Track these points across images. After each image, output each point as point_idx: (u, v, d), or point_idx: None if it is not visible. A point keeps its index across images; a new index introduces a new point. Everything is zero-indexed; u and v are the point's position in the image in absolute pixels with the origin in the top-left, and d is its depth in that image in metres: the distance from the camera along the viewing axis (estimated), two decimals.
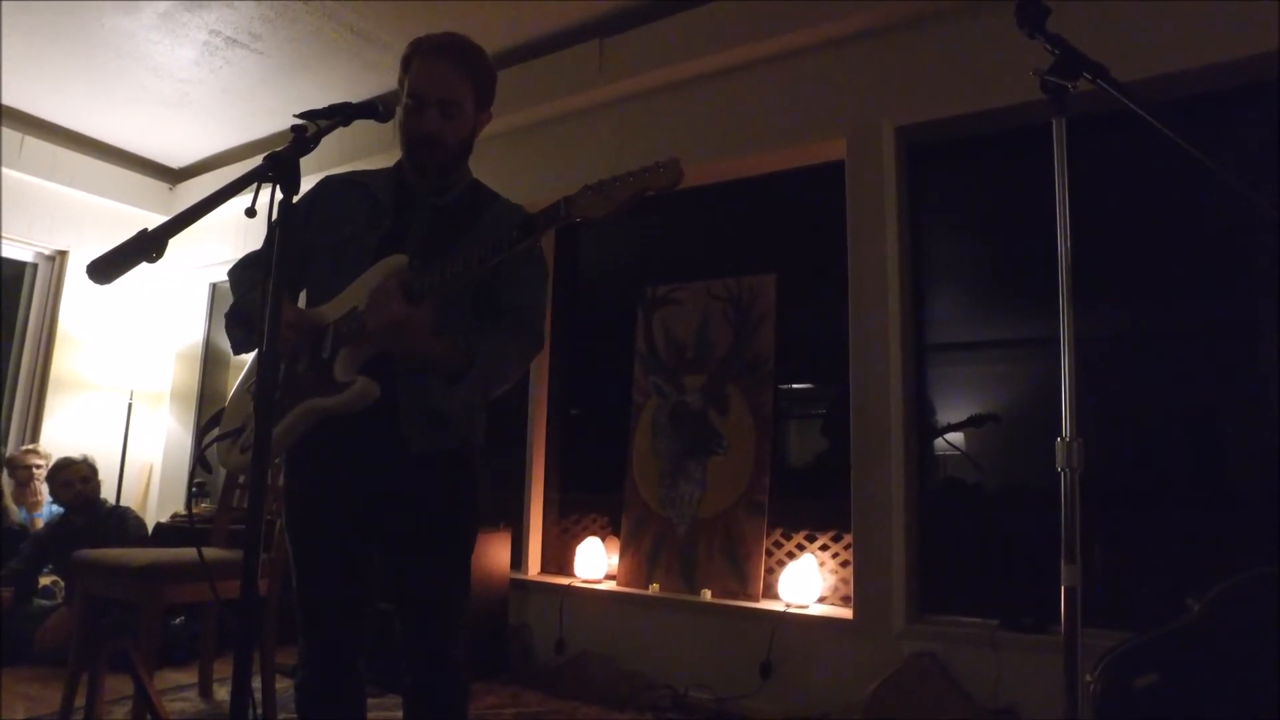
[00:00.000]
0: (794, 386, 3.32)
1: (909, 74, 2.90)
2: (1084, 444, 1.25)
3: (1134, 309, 2.66)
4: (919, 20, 2.89)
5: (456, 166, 1.62)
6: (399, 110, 1.56)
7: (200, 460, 1.59)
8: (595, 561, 3.41)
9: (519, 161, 3.66)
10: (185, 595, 2.46)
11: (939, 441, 2.91)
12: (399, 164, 1.63)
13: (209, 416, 1.62)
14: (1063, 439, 1.26)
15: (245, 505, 2.34)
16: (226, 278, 1.69)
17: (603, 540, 3.48)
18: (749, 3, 3.14)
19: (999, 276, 2.93)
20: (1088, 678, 1.82)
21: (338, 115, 1.32)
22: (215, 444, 1.57)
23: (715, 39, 3.22)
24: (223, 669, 3.01)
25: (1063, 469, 1.25)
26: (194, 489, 4.75)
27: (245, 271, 1.63)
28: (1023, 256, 2.83)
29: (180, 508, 4.66)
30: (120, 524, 3.58)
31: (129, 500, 4.80)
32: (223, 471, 2.76)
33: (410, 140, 1.56)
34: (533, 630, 3.40)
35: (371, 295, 1.40)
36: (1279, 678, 1.71)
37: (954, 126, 2.86)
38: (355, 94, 4.05)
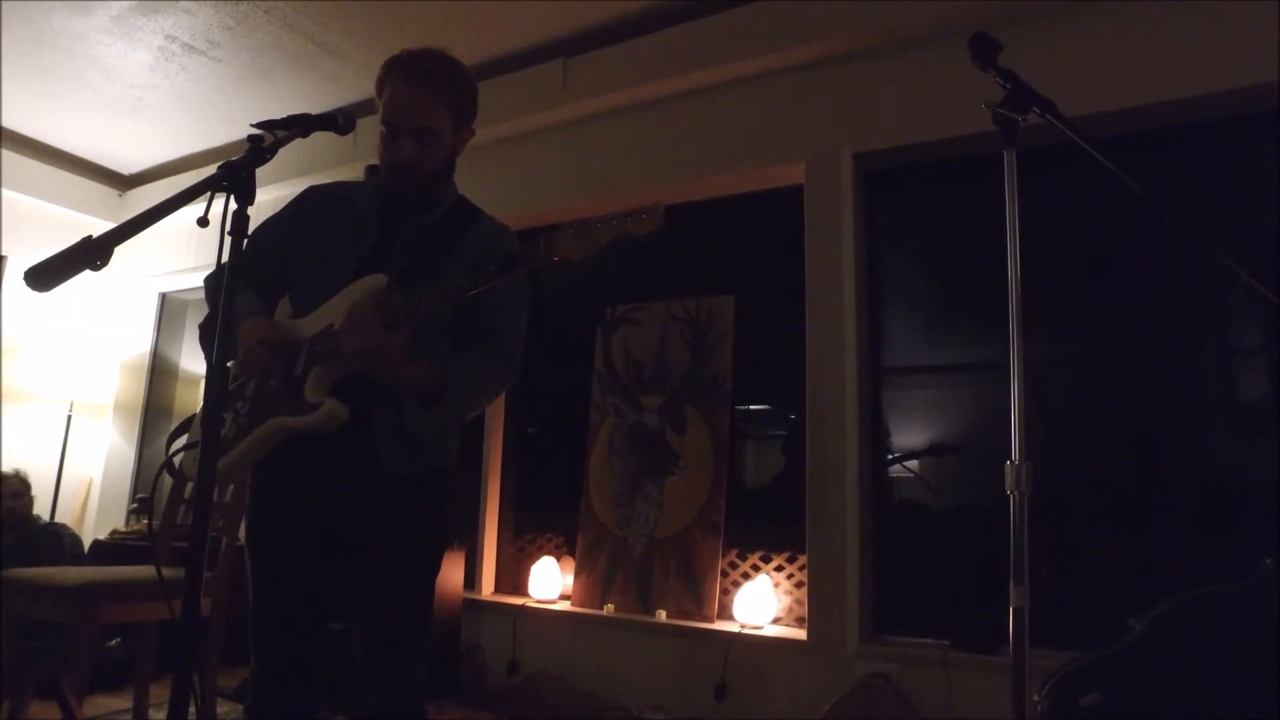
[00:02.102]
0: (751, 408, 3.34)
1: (867, 102, 2.97)
2: (1032, 467, 1.27)
3: (1083, 335, 2.74)
4: (878, 50, 2.96)
5: (439, 186, 1.60)
6: (378, 137, 1.54)
7: (167, 466, 1.56)
8: (550, 581, 3.37)
9: (482, 177, 3.65)
10: (122, 615, 2.36)
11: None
12: (381, 176, 1.60)
13: (178, 423, 1.59)
14: (1012, 462, 1.29)
15: (189, 522, 2.27)
16: (202, 286, 1.65)
17: (558, 560, 3.44)
18: (712, 28, 3.19)
19: (953, 302, 3.00)
20: (1035, 697, 1.85)
21: (296, 126, 1.30)
22: (184, 452, 1.53)
23: (678, 62, 3.26)
24: (160, 693, 2.90)
25: (1012, 492, 1.28)
26: (135, 504, 4.60)
27: (222, 281, 1.59)
28: (976, 282, 2.89)
29: (121, 524, 4.49)
30: (54, 542, 3.44)
31: (65, 517, 4.62)
32: (166, 488, 2.68)
33: (387, 168, 1.54)
34: (485, 651, 3.34)
35: (347, 317, 1.38)
36: (1216, 695, 1.76)
37: (911, 154, 2.93)
38: (315, 105, 4.00)
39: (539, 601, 3.33)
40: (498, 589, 3.61)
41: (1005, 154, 1.36)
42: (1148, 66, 2.50)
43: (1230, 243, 2.45)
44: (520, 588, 3.51)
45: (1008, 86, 1.34)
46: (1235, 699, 1.75)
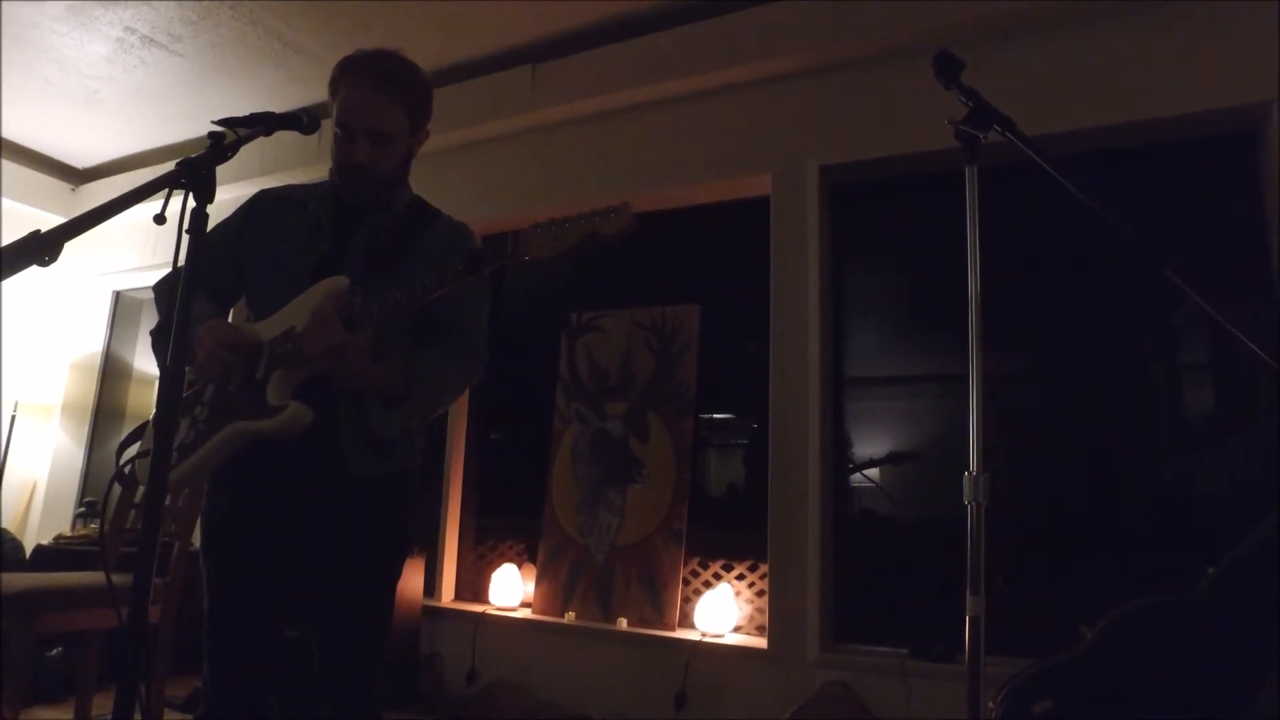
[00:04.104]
0: (714, 416, 3.35)
1: (834, 116, 3.01)
2: (990, 478, 1.29)
3: (1040, 348, 2.80)
4: (845, 65, 3.00)
5: (394, 188, 1.58)
6: (330, 137, 1.52)
7: (119, 475, 1.51)
8: (511, 589, 3.34)
9: (448, 182, 3.62)
10: (64, 624, 2.28)
11: (855, 474, 2.98)
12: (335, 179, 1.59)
13: (130, 431, 1.55)
14: (969, 473, 1.30)
15: (138, 526, 2.21)
16: (151, 291, 1.62)
17: (519, 567, 3.42)
18: (681, 38, 3.21)
19: (915, 314, 3.04)
20: (990, 704, 1.88)
21: (259, 125, 1.28)
22: (136, 460, 1.49)
23: (647, 72, 3.27)
24: (104, 704, 2.81)
25: (969, 502, 1.30)
26: (83, 508, 4.46)
27: (173, 287, 1.56)
28: (938, 295, 2.94)
29: (66, 529, 4.35)
30: None
31: (6, 521, 4.46)
32: (115, 491, 2.60)
33: (341, 171, 1.52)
34: (444, 659, 3.30)
35: (310, 319, 1.36)
36: (1163, 700, 1.81)
37: (876, 168, 2.98)
38: (280, 104, 3.93)
39: (499, 609, 3.30)
40: (458, 596, 3.56)
41: (967, 170, 1.38)
42: (1109, 88, 2.57)
43: (1185, 262, 2.53)
44: (481, 595, 3.47)
45: (970, 104, 1.36)
46: (1182, 704, 1.79)
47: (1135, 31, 2.57)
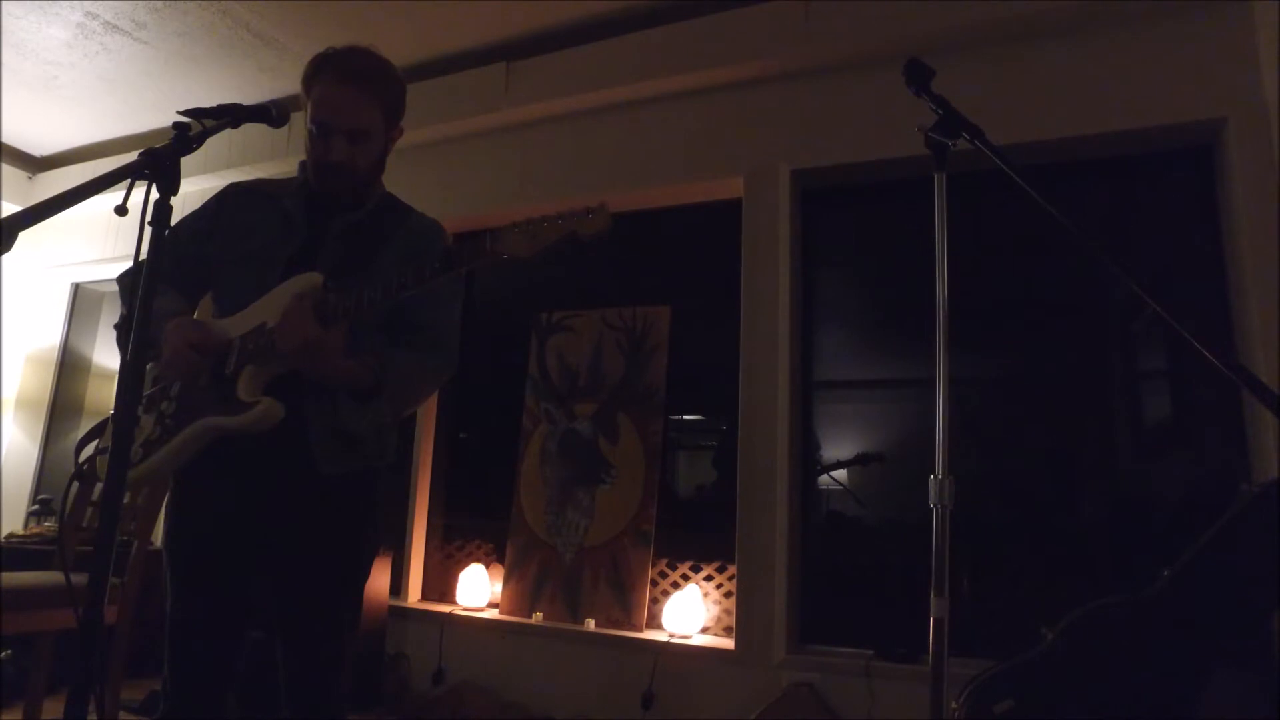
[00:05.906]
0: (684, 418, 3.36)
1: (806, 120, 3.03)
2: (955, 481, 1.31)
3: (1005, 354, 2.85)
4: (818, 70, 3.03)
5: (368, 186, 1.57)
6: (305, 136, 1.50)
7: (77, 474, 1.48)
8: (478, 589, 3.32)
9: (421, 179, 3.59)
10: (14, 625, 2.22)
11: (822, 476, 3.00)
12: (307, 175, 1.56)
13: (90, 428, 1.52)
14: (935, 476, 1.32)
15: (95, 524, 2.15)
16: (116, 283, 1.58)
17: (487, 567, 3.39)
18: (656, 40, 3.21)
19: (884, 318, 3.08)
20: (953, 705, 1.91)
21: (226, 116, 1.26)
22: (97, 457, 1.46)
23: (621, 72, 3.27)
24: (55, 708, 2.73)
25: (935, 505, 1.31)
26: (37, 505, 4.35)
27: (138, 279, 1.53)
28: (906, 300, 2.98)
29: (19, 526, 4.23)
30: None
31: None
32: (73, 489, 2.54)
33: (317, 169, 1.50)
34: (410, 660, 3.26)
35: (283, 314, 1.34)
36: (1121, 698, 1.85)
37: (847, 173, 3.00)
38: (248, 96, 3.87)
39: (466, 609, 3.28)
40: (424, 596, 3.53)
41: (936, 176, 1.40)
42: (1072, 100, 2.63)
43: (1144, 271, 2.59)
44: (448, 595, 3.44)
45: (939, 112, 1.38)
46: (1139, 702, 1.83)
47: (1097, 47, 2.63)
